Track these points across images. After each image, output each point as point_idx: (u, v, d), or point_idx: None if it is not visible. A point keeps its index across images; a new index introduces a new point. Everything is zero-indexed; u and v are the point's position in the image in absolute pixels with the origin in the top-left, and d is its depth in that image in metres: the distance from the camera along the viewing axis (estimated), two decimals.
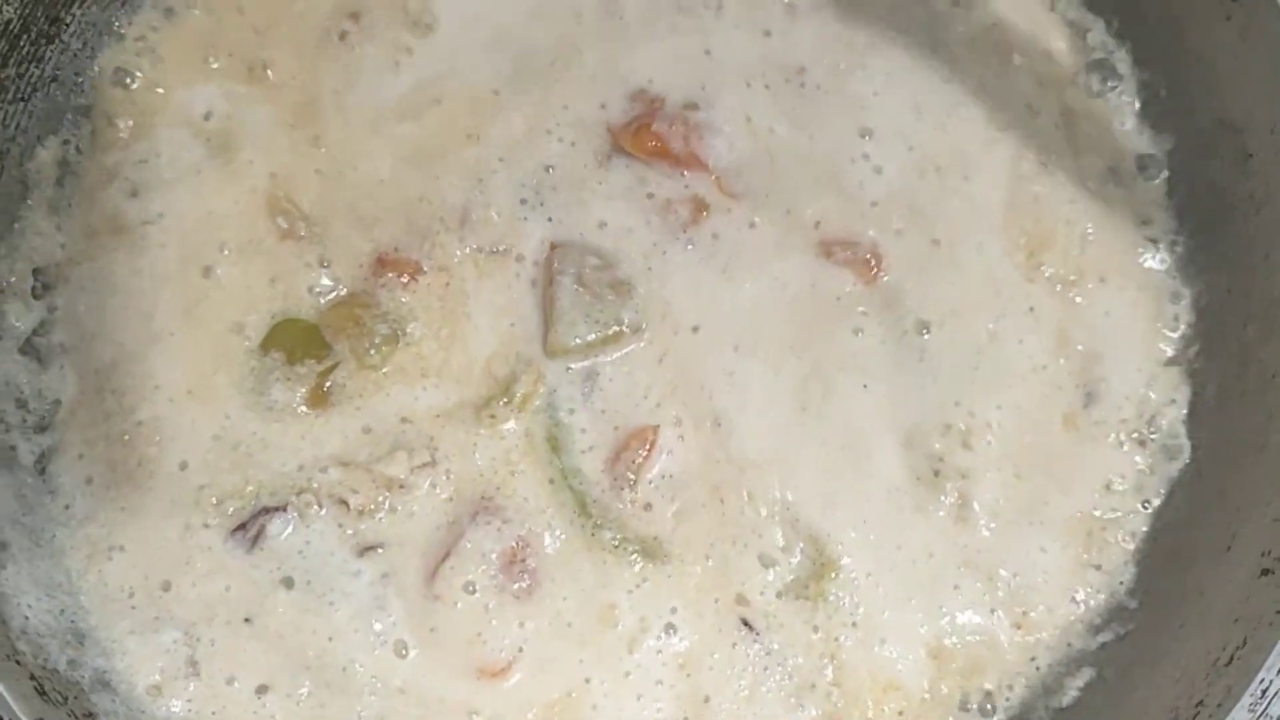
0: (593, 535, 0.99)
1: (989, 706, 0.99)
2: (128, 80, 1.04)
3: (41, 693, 0.87)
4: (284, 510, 0.98)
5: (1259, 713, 0.84)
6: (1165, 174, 1.09)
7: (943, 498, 1.02)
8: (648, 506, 1.00)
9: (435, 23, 1.07)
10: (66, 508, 0.97)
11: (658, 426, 1.01)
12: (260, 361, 1.00)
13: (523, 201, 1.05)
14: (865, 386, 1.03)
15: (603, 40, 1.08)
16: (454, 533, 0.98)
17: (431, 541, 0.98)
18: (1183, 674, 0.91)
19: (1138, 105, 1.10)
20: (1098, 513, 1.03)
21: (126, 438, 0.98)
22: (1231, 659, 0.88)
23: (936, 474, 1.02)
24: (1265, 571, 0.90)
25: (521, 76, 1.07)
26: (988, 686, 1.00)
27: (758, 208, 1.06)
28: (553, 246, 1.03)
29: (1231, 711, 0.84)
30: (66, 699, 0.89)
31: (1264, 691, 0.84)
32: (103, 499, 0.97)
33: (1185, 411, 1.05)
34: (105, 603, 0.96)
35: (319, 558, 0.98)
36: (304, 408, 1.00)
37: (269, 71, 1.06)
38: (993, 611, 1.01)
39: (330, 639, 0.96)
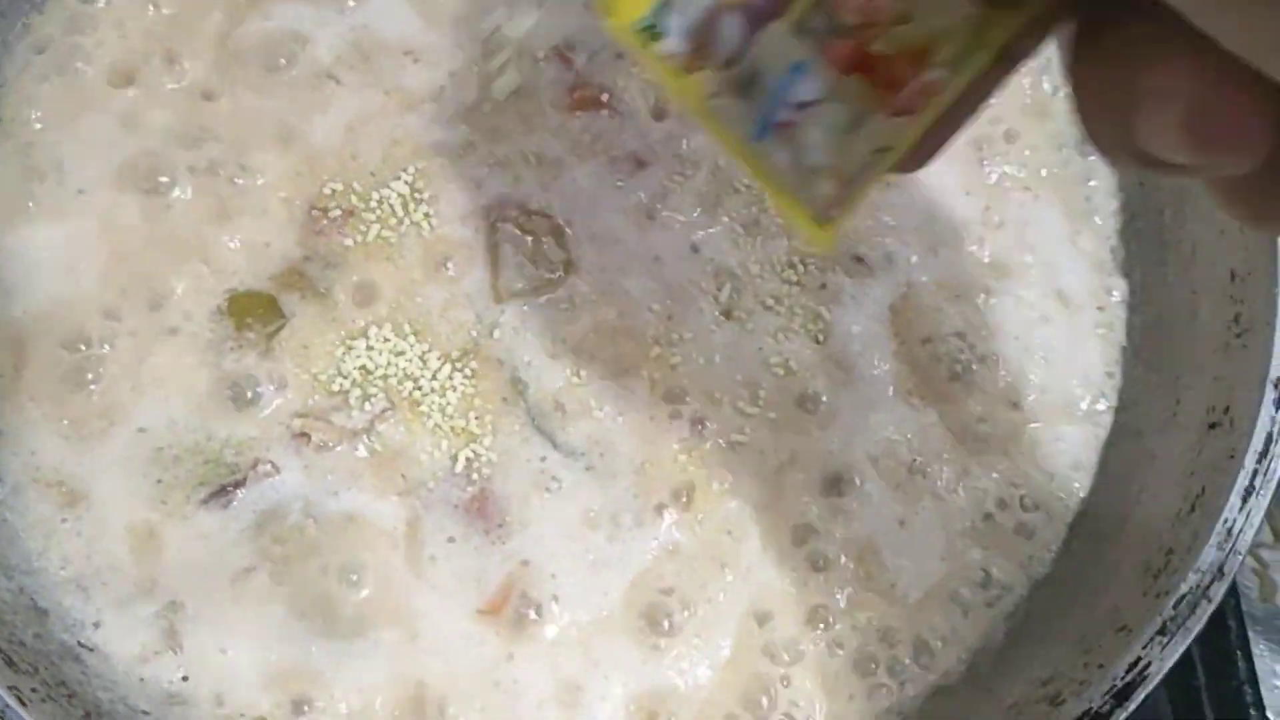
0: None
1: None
2: None
3: (10, 664, 0.84)
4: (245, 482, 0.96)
5: (1228, 550, 0.87)
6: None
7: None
8: None
9: None
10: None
11: None
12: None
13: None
14: None
15: None
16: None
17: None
18: (1149, 532, 0.94)
19: None
20: None
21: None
22: (1194, 507, 0.91)
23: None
24: (1213, 425, 0.94)
25: None
26: None
27: None
28: None
29: (1201, 552, 0.87)
30: (37, 669, 0.86)
31: (1229, 530, 0.87)
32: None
33: (1123, 301, 1.09)
34: (66, 579, 0.93)
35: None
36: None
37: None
38: None
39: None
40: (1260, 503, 0.88)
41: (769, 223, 1.07)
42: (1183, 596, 0.86)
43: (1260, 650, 1.22)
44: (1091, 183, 1.11)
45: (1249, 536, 0.87)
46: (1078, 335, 1.07)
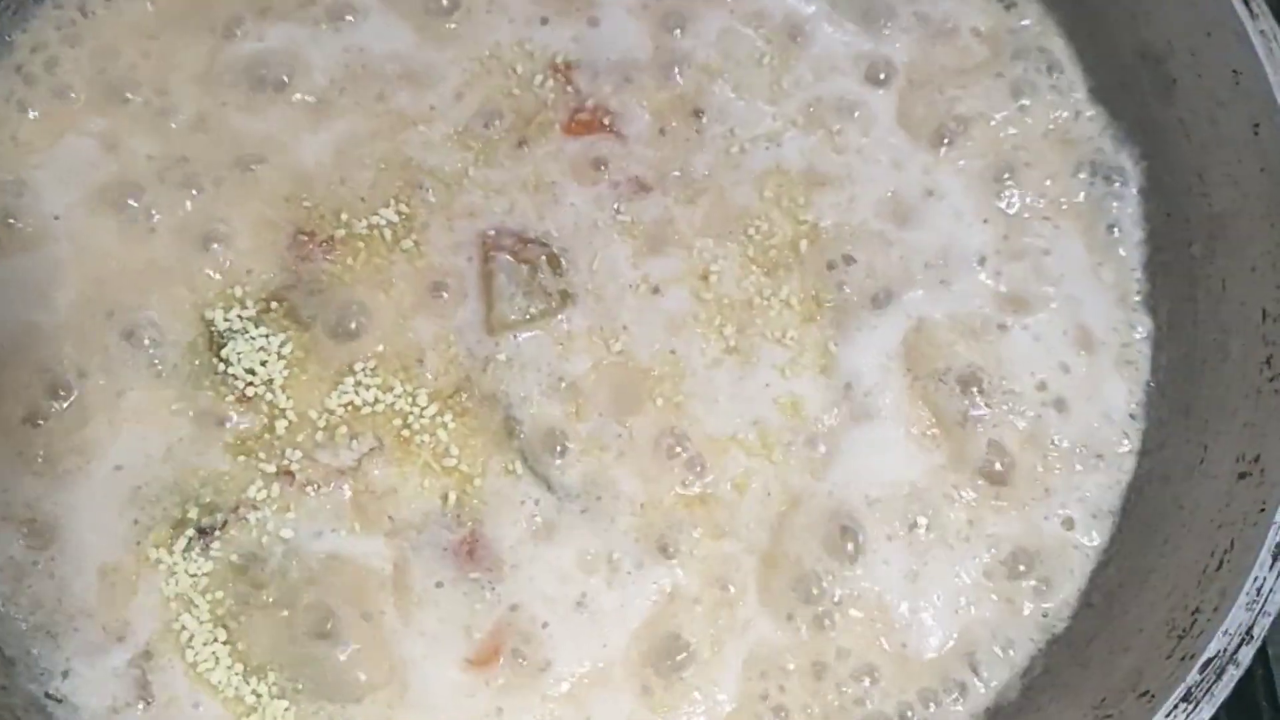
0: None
1: None
2: None
3: None
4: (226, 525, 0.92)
5: (1258, 610, 0.82)
6: (1091, 112, 1.10)
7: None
8: None
9: None
10: None
11: None
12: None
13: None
14: None
15: None
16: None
17: None
18: (1174, 587, 0.89)
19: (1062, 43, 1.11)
20: None
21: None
22: (1221, 564, 0.86)
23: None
24: (1243, 475, 0.89)
25: None
26: None
27: None
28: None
29: (1230, 612, 0.82)
30: None
31: (1259, 589, 0.82)
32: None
33: (1148, 338, 1.04)
34: (36, 625, 0.89)
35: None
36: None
37: None
38: None
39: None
40: None
41: (779, 254, 1.02)
42: (1209, 660, 0.81)
43: None
44: (1115, 213, 1.06)
45: None
46: (1100, 373, 1.02)
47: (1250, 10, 0.99)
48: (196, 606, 0.90)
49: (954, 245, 1.04)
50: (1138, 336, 1.03)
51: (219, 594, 0.90)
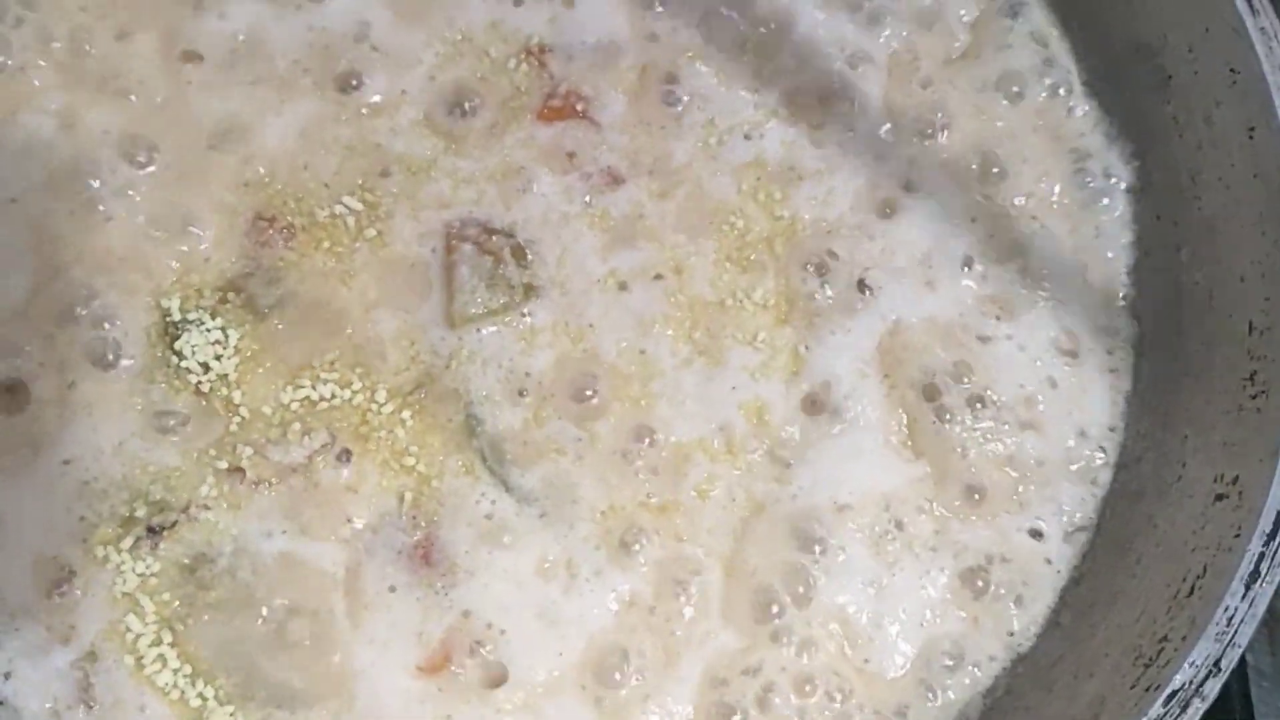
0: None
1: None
2: None
3: None
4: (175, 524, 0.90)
5: (1226, 642, 0.79)
6: (1085, 107, 1.06)
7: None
8: None
9: None
10: None
11: None
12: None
13: None
14: None
15: None
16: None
17: None
18: (1143, 611, 0.86)
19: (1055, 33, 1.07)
20: None
21: None
22: (1193, 589, 0.83)
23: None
24: (1220, 496, 0.86)
25: None
26: None
27: None
28: None
29: (1197, 644, 0.79)
30: None
31: (1230, 620, 0.80)
32: None
33: (1132, 345, 1.01)
34: None
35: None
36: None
37: None
38: None
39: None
40: (1265, 591, 0.80)
41: (754, 251, 0.99)
42: (1174, 693, 0.78)
43: (1265, 708, 1.15)
44: (1103, 212, 1.03)
45: (1251, 629, 0.80)
46: (1082, 381, 0.99)
47: (1251, 6, 0.94)
48: (143, 608, 0.88)
49: (938, 245, 1.01)
50: (1122, 344, 1.00)
51: (166, 595, 0.88)
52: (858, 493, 0.95)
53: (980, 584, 0.93)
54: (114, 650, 0.87)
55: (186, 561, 0.89)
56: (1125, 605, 0.88)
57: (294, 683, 0.87)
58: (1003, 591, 0.94)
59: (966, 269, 1.01)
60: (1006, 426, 0.97)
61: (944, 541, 0.95)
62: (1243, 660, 1.03)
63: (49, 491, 0.90)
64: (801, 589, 0.92)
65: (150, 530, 0.89)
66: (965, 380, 0.97)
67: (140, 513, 0.89)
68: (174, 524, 0.89)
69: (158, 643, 0.87)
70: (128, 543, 0.88)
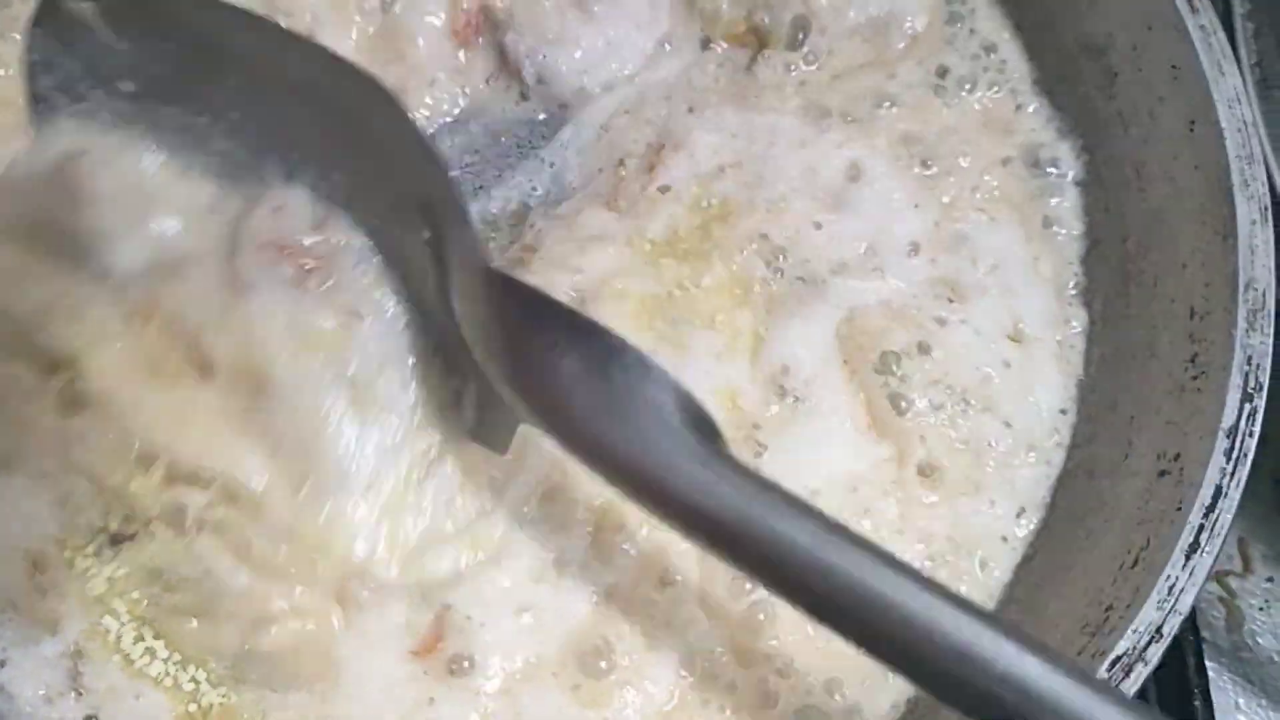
0: None
1: None
2: None
3: None
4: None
5: (1168, 610, 0.83)
6: (1034, 104, 1.10)
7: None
8: None
9: None
10: None
11: None
12: None
13: None
14: None
15: None
16: None
17: None
18: (1090, 583, 0.90)
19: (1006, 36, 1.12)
20: None
21: None
22: (1136, 560, 0.87)
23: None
24: (1163, 473, 0.90)
25: None
26: None
27: None
28: None
29: (1140, 610, 0.83)
30: None
31: (1170, 588, 0.84)
32: None
33: (1083, 333, 1.05)
34: None
35: None
36: None
37: None
38: None
39: None
40: (1204, 561, 0.84)
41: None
42: (1118, 659, 0.82)
43: (1224, 683, 1.19)
44: (1053, 204, 1.07)
45: (1191, 597, 0.83)
46: (1035, 366, 1.03)
47: (1191, 5, 0.99)
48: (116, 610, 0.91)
49: (888, 231, 1.05)
50: (1073, 331, 1.04)
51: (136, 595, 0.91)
52: (826, 476, 0.98)
53: (940, 562, 0.97)
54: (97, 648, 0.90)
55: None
56: (1076, 578, 0.92)
57: (281, 667, 0.90)
58: (960, 569, 0.97)
59: (914, 255, 1.05)
60: (964, 410, 1.01)
61: (907, 524, 0.98)
62: (1199, 638, 1.08)
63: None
64: None
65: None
66: (922, 366, 1.01)
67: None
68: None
69: (140, 639, 0.90)
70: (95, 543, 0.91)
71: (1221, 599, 1.22)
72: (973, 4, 1.12)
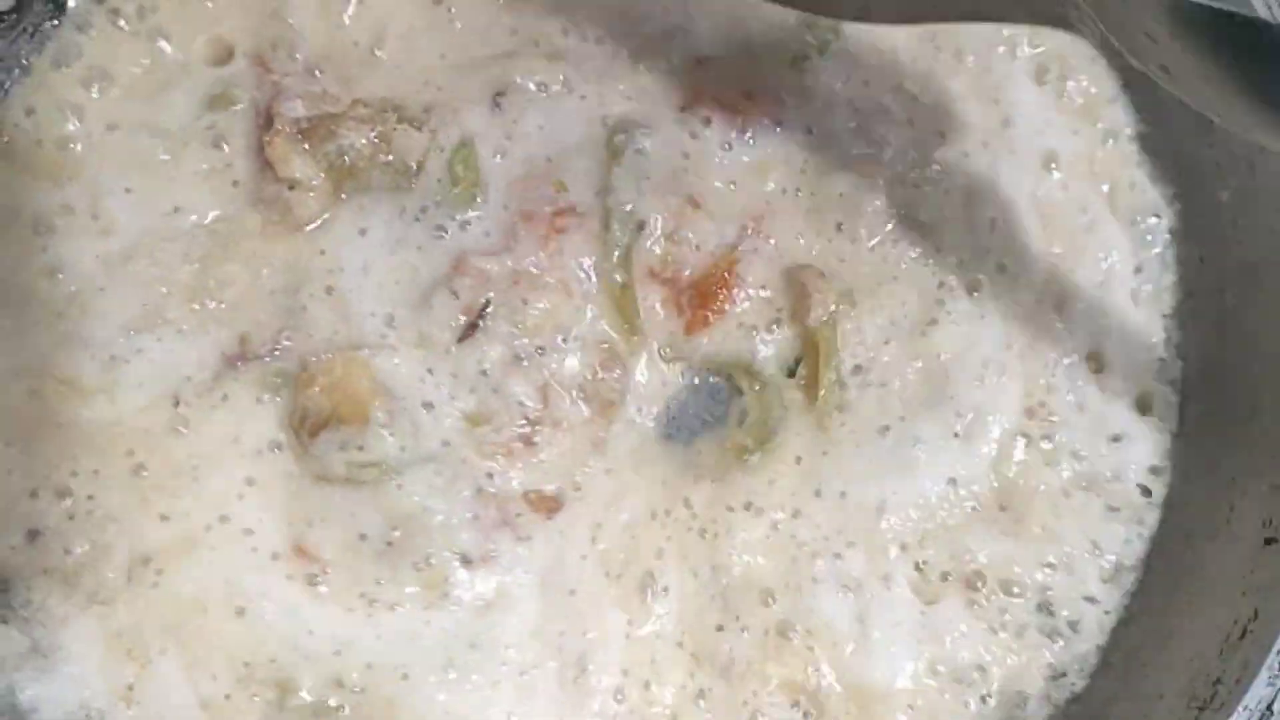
0: None
1: (985, 695, 0.96)
2: None
3: None
4: None
5: (1279, 687, 0.81)
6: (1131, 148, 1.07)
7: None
8: None
9: None
10: None
11: None
12: None
13: None
14: None
15: None
16: None
17: None
18: (1195, 654, 0.88)
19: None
20: None
21: None
22: (1244, 633, 0.85)
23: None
24: (1269, 541, 0.88)
25: None
26: None
27: None
28: None
29: (1250, 688, 0.81)
30: None
31: None
32: None
33: (1176, 388, 1.02)
34: None
35: None
36: None
37: None
38: None
39: None
40: None
41: None
42: None
43: None
44: (1147, 253, 1.04)
45: None
46: (1128, 421, 1.01)
47: None
48: None
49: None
50: (1167, 385, 1.02)
51: None
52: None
53: (1031, 621, 0.95)
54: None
55: None
56: (1177, 646, 0.90)
57: None
58: (1049, 631, 0.95)
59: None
60: (1055, 457, 0.98)
61: (994, 578, 0.96)
62: None
63: None
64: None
65: None
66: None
67: None
68: None
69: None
70: None
71: None
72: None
